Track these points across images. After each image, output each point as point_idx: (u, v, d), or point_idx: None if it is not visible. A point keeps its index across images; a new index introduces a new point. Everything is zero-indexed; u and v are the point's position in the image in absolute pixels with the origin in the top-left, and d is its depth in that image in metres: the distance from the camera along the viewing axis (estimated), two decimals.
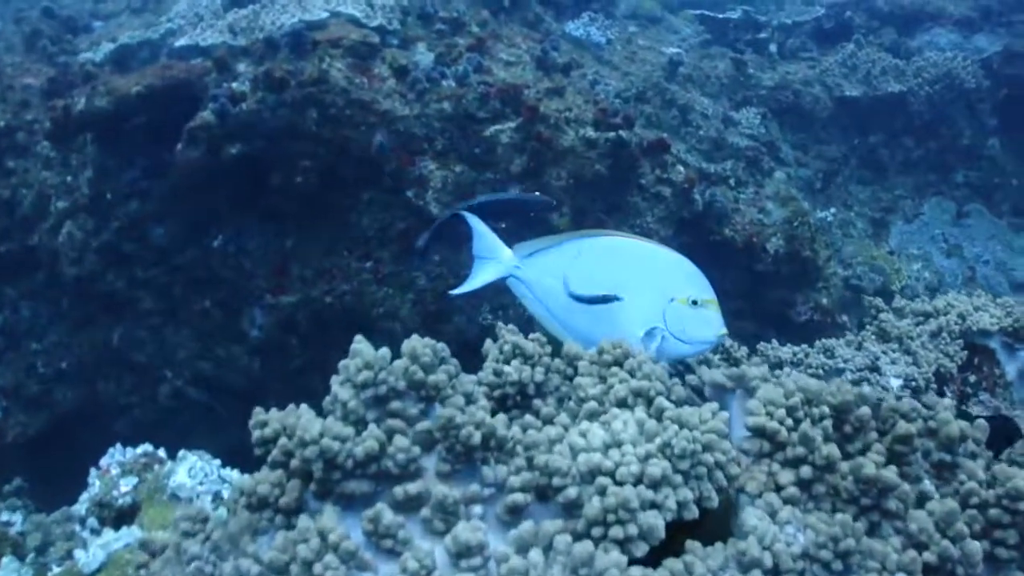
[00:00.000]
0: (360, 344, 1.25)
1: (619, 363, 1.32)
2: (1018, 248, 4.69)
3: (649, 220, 3.55)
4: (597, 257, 1.87)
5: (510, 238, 2.02)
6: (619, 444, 1.17)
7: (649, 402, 1.25)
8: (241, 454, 2.56)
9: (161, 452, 2.33)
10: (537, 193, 3.17)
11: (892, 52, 4.75)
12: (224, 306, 3.65)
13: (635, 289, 1.82)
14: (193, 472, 2.14)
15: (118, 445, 2.35)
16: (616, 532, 1.09)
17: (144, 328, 3.76)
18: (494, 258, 2.02)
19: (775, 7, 5.26)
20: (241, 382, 3.70)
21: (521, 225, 3.08)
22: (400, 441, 1.17)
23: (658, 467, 1.12)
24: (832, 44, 4.88)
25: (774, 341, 2.49)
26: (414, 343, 1.25)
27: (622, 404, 1.26)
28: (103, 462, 2.34)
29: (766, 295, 3.80)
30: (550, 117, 3.33)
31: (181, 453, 2.20)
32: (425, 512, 1.13)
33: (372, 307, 3.47)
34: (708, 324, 1.78)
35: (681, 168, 3.63)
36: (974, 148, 4.73)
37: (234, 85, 3.20)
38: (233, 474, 2.19)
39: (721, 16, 4.76)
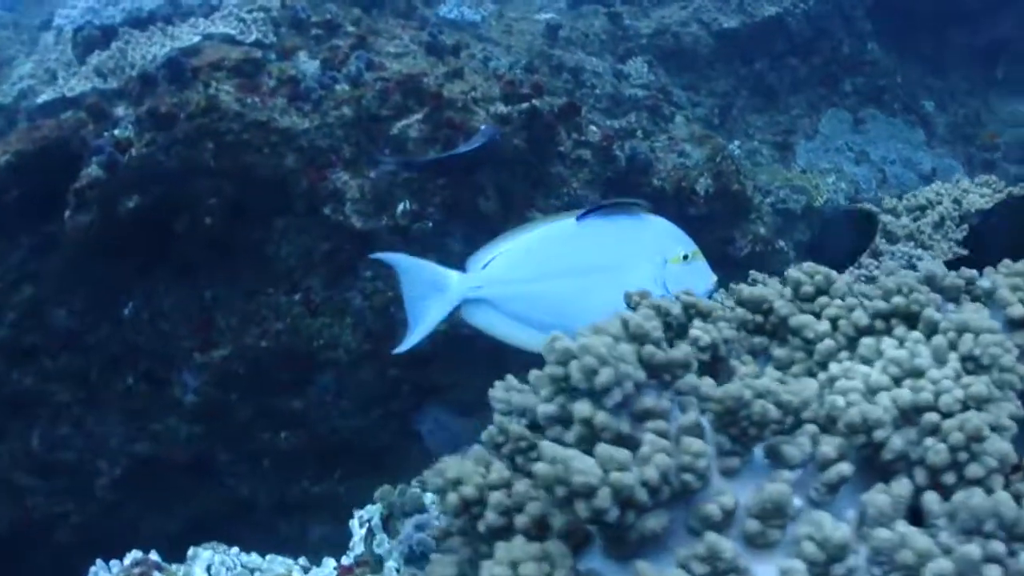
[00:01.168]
0: (562, 340, 0.96)
1: (823, 291, 1.13)
2: (916, 142, 4.73)
3: (576, 186, 3.40)
4: (573, 241, 1.66)
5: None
6: (917, 373, 0.96)
7: (909, 318, 1.05)
8: (202, 530, 2.30)
9: (154, 556, 2.03)
10: (482, 127, 2.99)
11: None
12: (149, 378, 3.36)
13: (627, 262, 1.63)
14: (214, 570, 1.85)
15: (99, 562, 2.02)
16: (974, 471, 0.89)
17: (65, 423, 3.42)
18: (437, 290, 1.75)
19: None
20: (185, 455, 3.42)
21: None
22: (694, 444, 0.90)
23: (979, 384, 0.92)
24: None
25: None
26: (632, 318, 0.98)
27: (868, 332, 1.06)
28: None
29: (705, 236, 3.66)
30: (456, 100, 3.15)
31: (191, 552, 1.89)
32: (750, 525, 0.88)
33: (311, 340, 3.24)
34: (704, 275, 1.64)
35: (594, 128, 3.50)
36: (855, 55, 4.74)
37: (116, 132, 2.91)
38: (255, 559, 1.90)
39: None
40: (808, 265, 1.16)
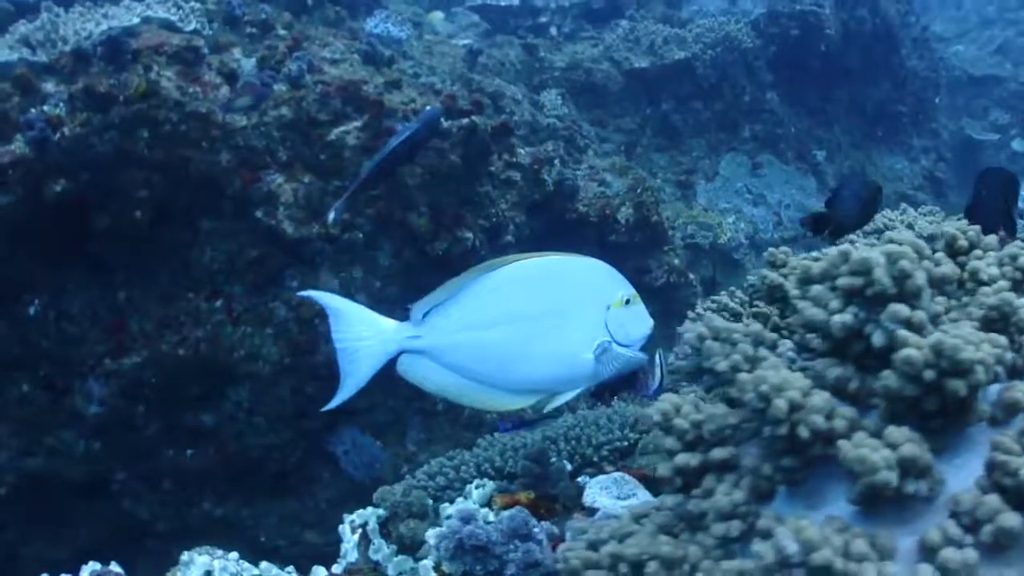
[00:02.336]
0: (856, 251, 0.99)
1: (976, 246, 1.17)
2: (809, 189, 4.94)
3: (504, 207, 3.40)
4: (516, 288, 1.59)
5: None
6: None
7: None
8: (91, 558, 2.11)
9: (115, 567, 1.84)
10: (427, 108, 2.94)
11: (665, 23, 4.86)
12: (48, 386, 3.13)
13: (569, 308, 1.58)
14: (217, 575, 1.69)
15: None
16: None
17: None
18: (370, 337, 1.62)
19: None
20: (80, 472, 3.19)
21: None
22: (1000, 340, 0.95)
23: None
24: (605, 22, 4.93)
25: None
26: (896, 249, 0.99)
27: None
28: None
29: (623, 264, 3.72)
30: (397, 111, 3.11)
31: (185, 557, 1.72)
32: None
33: (231, 351, 3.10)
34: (643, 319, 1.61)
35: (523, 151, 3.51)
36: (755, 103, 4.94)
37: (45, 108, 2.72)
38: (248, 565, 1.74)
39: (503, 3, 4.69)
40: (959, 223, 1.20)
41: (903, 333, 0.92)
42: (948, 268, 1.01)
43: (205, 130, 2.84)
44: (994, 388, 0.95)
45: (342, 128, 3.06)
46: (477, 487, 1.69)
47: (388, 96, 3.14)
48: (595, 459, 1.75)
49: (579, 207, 3.54)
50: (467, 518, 1.45)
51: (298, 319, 3.11)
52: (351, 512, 1.83)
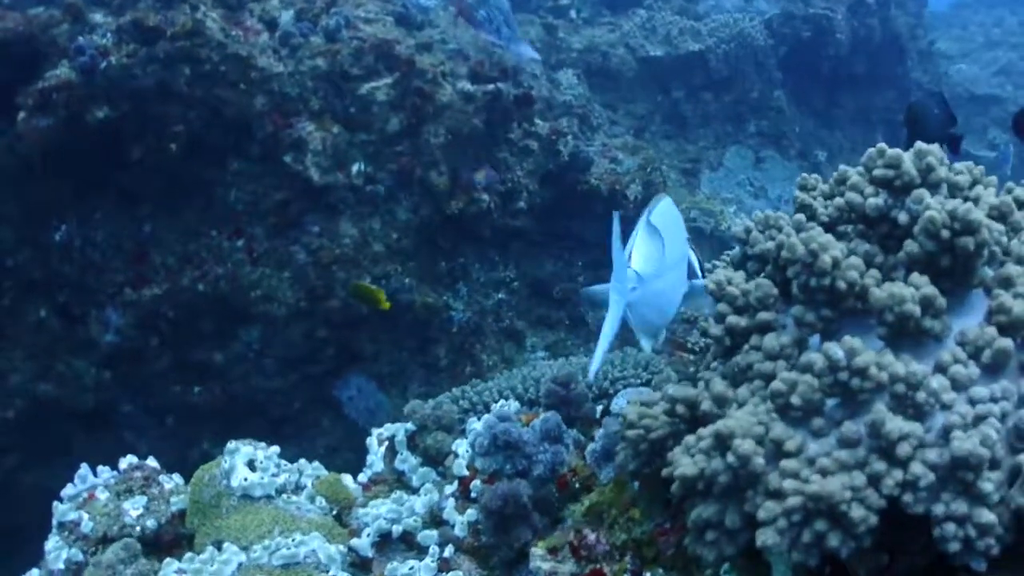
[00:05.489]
0: (889, 149, 1.20)
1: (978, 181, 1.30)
2: None
3: (519, 174, 3.51)
4: (667, 237, 1.57)
5: None
6: None
7: None
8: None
9: (152, 461, 1.94)
10: None
11: (681, 15, 4.97)
12: (65, 313, 3.22)
13: (683, 248, 1.58)
14: (260, 463, 1.79)
15: (84, 467, 1.87)
16: None
17: None
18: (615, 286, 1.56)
19: None
20: (87, 401, 3.27)
21: None
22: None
23: None
24: (624, 10, 5.04)
25: None
26: (924, 147, 1.22)
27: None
28: (71, 490, 1.83)
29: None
30: (427, 72, 3.22)
31: (231, 445, 1.82)
32: None
33: (248, 290, 3.20)
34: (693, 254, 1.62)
35: (540, 122, 3.62)
36: (763, 100, 5.05)
37: (93, 38, 2.81)
38: (283, 463, 1.84)
39: None
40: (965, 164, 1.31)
41: (928, 200, 1.10)
42: (964, 177, 1.19)
43: (244, 72, 2.95)
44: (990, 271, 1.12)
45: (373, 84, 3.17)
46: (502, 405, 1.80)
47: (419, 57, 3.24)
48: (611, 392, 1.86)
49: (591, 180, 3.65)
50: (504, 417, 1.56)
51: (316, 264, 3.21)
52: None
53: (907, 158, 1.15)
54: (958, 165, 1.22)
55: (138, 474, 1.89)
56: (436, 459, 1.79)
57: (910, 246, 1.09)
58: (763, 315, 1.15)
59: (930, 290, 1.05)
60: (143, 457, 3.51)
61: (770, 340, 1.10)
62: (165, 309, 3.18)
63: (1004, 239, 1.14)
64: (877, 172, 1.16)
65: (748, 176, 4.90)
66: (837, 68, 5.40)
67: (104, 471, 1.91)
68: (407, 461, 1.80)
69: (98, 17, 2.89)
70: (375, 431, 1.92)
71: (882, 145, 1.18)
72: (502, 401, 1.83)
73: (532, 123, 3.53)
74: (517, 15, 4.69)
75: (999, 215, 1.15)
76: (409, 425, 1.85)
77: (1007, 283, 1.09)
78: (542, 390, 1.79)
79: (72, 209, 3.11)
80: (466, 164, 3.38)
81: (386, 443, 1.87)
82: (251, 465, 1.78)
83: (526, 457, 1.53)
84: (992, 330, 1.04)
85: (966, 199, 1.16)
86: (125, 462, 1.92)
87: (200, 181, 3.13)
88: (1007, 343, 1.03)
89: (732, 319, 1.18)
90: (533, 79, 4.22)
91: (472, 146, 3.38)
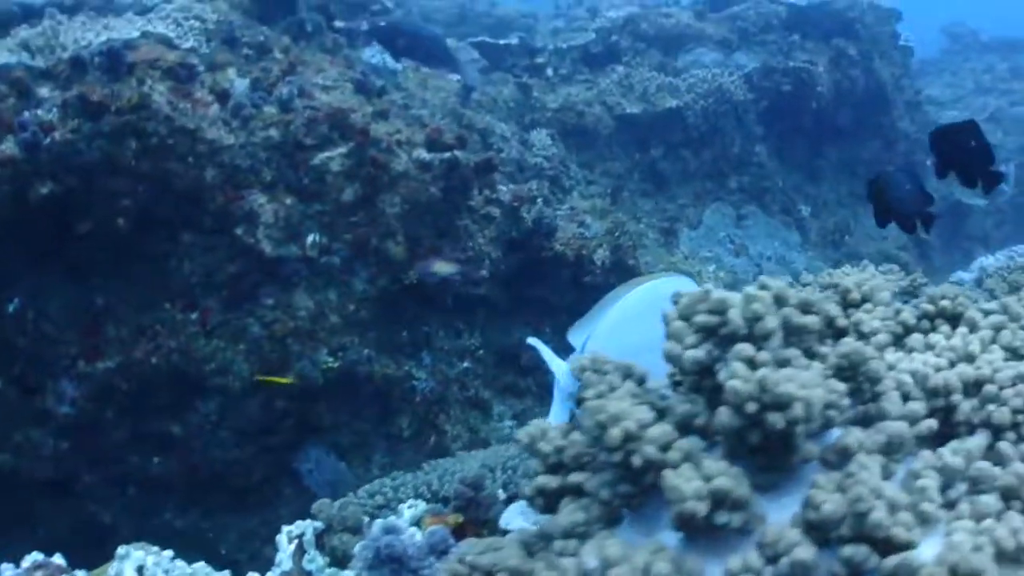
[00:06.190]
0: (716, 292, 1.07)
1: (868, 299, 1.26)
2: (792, 243, 5.01)
3: (481, 242, 3.47)
4: (641, 320, 1.52)
5: None
6: (970, 357, 1.11)
7: (953, 318, 1.21)
8: (55, 553, 2.14)
9: (58, 558, 1.89)
10: None
11: (660, 71, 4.95)
12: (20, 383, 3.19)
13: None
14: (148, 569, 1.75)
15: None
16: None
17: None
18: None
19: (548, 32, 5.37)
20: (46, 471, 3.24)
21: None
22: (839, 386, 1.01)
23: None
24: (601, 67, 5.02)
25: None
26: (775, 283, 1.08)
27: (913, 330, 1.21)
28: None
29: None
30: (382, 140, 3.19)
31: (121, 551, 1.78)
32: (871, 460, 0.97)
33: (203, 363, 3.16)
34: None
35: (504, 188, 3.58)
36: (744, 155, 5.01)
37: (39, 112, 2.80)
38: (182, 563, 1.80)
39: (502, 42, 4.79)
40: (857, 276, 1.29)
41: (737, 366, 0.97)
42: (811, 319, 1.07)
43: (192, 145, 2.92)
44: (835, 433, 1.01)
45: (327, 153, 3.14)
46: (409, 507, 1.75)
47: (374, 125, 3.22)
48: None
49: (556, 246, 3.60)
50: (389, 529, 1.51)
51: (271, 337, 3.17)
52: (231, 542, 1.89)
53: (736, 304, 1.03)
54: (817, 297, 1.11)
55: (40, 573, 1.84)
56: (342, 560, 1.75)
57: (721, 415, 0.97)
58: (575, 477, 1.06)
59: (725, 483, 0.92)
60: (108, 528, 3.48)
61: (565, 517, 1.02)
62: (119, 381, 3.14)
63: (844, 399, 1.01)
64: (699, 319, 1.03)
65: (729, 234, 4.85)
66: (820, 121, 5.37)
67: (7, 569, 1.86)
68: (314, 561, 1.76)
69: (45, 91, 2.87)
70: (285, 528, 1.88)
71: (708, 286, 1.07)
72: (411, 501, 1.78)
73: (494, 189, 3.49)
74: (492, 74, 4.69)
75: (849, 364, 1.04)
76: (318, 523, 1.81)
77: (841, 457, 0.97)
78: (452, 490, 1.74)
79: (24, 281, 3.08)
80: (426, 233, 3.34)
81: (296, 541, 1.82)
82: (140, 571, 1.73)
83: (411, 572, 1.48)
84: (794, 533, 0.89)
85: (811, 352, 1.05)
86: (29, 560, 1.87)
87: (153, 254, 3.10)
88: (806, 555, 0.88)
89: (542, 479, 1.07)
90: (503, 141, 4.20)
91: (431, 214, 3.34)
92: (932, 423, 1.05)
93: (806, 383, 0.95)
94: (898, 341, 1.22)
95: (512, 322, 3.68)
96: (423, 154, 3.24)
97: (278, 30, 3.53)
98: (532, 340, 1.58)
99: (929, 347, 1.19)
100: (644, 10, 5.28)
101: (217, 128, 2.98)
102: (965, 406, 1.08)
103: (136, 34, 2.92)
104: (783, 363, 1.01)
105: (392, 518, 1.71)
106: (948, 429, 1.08)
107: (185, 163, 2.94)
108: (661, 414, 1.04)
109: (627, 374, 1.12)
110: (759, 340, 1.02)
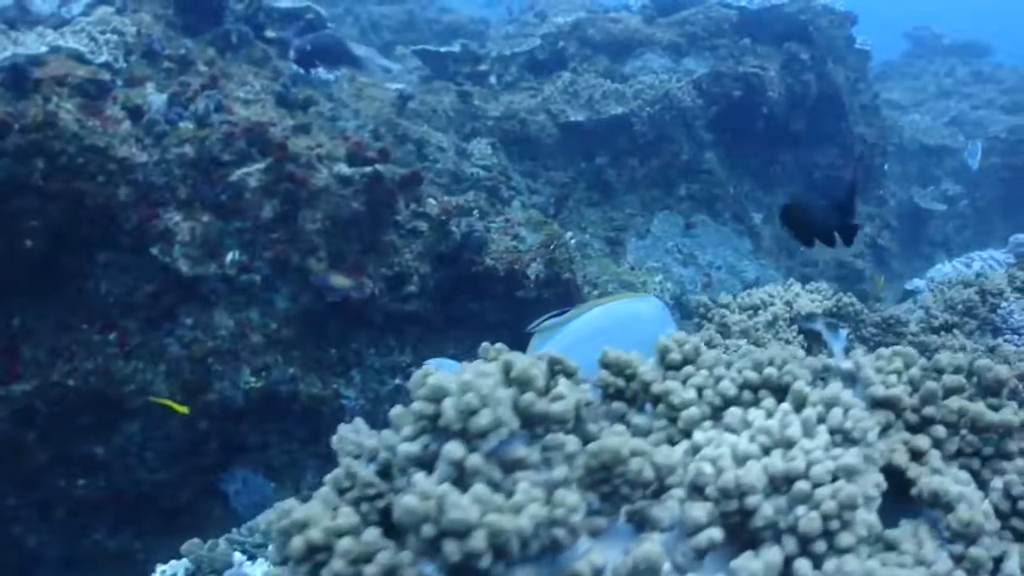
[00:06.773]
0: (435, 375, 0.92)
1: (690, 361, 1.11)
2: (743, 251, 4.96)
3: (408, 257, 3.42)
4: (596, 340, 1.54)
5: None
6: (788, 443, 0.97)
7: (779, 390, 1.06)
8: None
9: None
10: None
11: (607, 78, 4.90)
12: None
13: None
14: None
15: None
16: (846, 540, 0.91)
17: None
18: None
19: (491, 40, 5.32)
20: None
21: None
22: (569, 498, 0.87)
23: (850, 455, 0.95)
24: (548, 74, 4.98)
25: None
26: (517, 363, 0.93)
27: (735, 403, 1.07)
28: None
29: (530, 321, 3.75)
30: (301, 156, 3.14)
31: None
32: None
33: (122, 385, 3.11)
34: None
35: (433, 200, 3.53)
36: (693, 163, 4.96)
37: None
38: None
39: (443, 49, 4.74)
40: (678, 334, 1.15)
41: (418, 477, 0.86)
42: (559, 406, 0.94)
43: (103, 164, 2.86)
44: (583, 545, 0.89)
45: (245, 169, 3.09)
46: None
47: (294, 140, 3.16)
48: None
49: (487, 260, 3.54)
50: None
51: (190, 357, 3.13)
52: (164, 563, 1.85)
53: (452, 392, 0.88)
54: (561, 387, 0.96)
55: None
56: None
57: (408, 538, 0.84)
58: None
59: None
60: (34, 551, 3.43)
61: None
62: (38, 403, 3.09)
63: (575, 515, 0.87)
64: (415, 406, 0.91)
65: (677, 243, 4.80)
66: (772, 126, 5.32)
67: None
68: None
69: None
70: (160, 567, 1.83)
71: (428, 367, 0.93)
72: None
73: (421, 203, 3.44)
74: (433, 83, 4.64)
75: (600, 466, 0.89)
76: (187, 563, 1.76)
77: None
78: None
79: None
80: (350, 249, 3.30)
81: None
82: None
83: None
84: None
85: (555, 447, 0.92)
86: None
87: (69, 273, 3.05)
88: None
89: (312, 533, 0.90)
90: (439, 152, 4.15)
91: (355, 229, 3.29)
92: (713, 533, 0.92)
93: (505, 505, 0.81)
94: (715, 415, 1.08)
95: (445, 338, 3.63)
96: (344, 169, 3.19)
97: (203, 42, 3.47)
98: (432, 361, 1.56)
99: (747, 425, 1.04)
100: (592, 15, 5.23)
101: (129, 145, 2.92)
102: (767, 509, 0.93)
103: (44, 49, 2.86)
104: (508, 467, 0.88)
105: (245, 567, 1.67)
106: (749, 535, 0.94)
107: (96, 182, 2.88)
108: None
109: (371, 456, 1.02)
110: (474, 439, 0.88)
